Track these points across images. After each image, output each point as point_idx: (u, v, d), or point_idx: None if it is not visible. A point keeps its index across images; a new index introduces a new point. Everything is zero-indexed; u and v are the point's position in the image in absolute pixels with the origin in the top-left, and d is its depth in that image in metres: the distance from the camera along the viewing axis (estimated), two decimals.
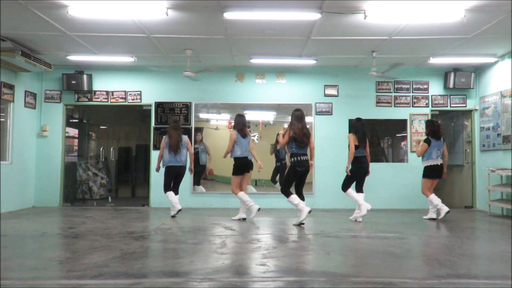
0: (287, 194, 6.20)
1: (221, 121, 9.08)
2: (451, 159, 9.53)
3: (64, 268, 3.74)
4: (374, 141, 11.34)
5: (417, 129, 8.72)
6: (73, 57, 8.09)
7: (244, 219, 6.76)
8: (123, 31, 6.55)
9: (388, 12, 5.68)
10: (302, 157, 6.18)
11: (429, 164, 6.99)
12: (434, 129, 6.99)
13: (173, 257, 4.18)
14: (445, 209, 6.78)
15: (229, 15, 5.74)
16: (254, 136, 8.87)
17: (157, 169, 7.34)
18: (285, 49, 7.59)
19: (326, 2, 5.40)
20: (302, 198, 6.29)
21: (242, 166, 6.71)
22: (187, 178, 8.73)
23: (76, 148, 10.75)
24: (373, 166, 9.07)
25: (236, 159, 6.71)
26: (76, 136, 10.83)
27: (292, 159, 6.20)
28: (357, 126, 6.87)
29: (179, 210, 7.08)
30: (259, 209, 6.73)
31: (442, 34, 6.61)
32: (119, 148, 11.98)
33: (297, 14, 5.75)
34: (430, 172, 7.00)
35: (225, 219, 6.96)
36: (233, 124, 8.91)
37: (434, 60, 8.13)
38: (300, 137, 6.13)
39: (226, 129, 8.85)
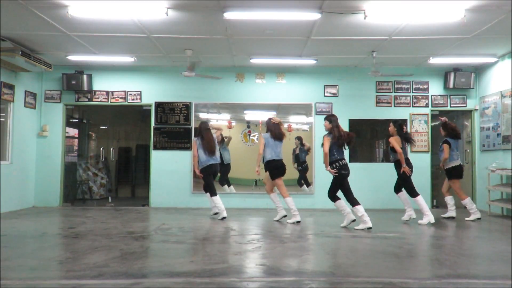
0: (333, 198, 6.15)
1: (221, 121, 9.08)
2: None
3: (64, 268, 3.75)
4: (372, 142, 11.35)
5: (417, 129, 8.72)
6: (73, 57, 8.09)
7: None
8: (123, 31, 6.55)
9: (388, 12, 5.68)
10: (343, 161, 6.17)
11: (452, 165, 6.92)
12: (447, 129, 7.03)
13: (173, 257, 4.18)
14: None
15: (229, 15, 5.74)
16: (254, 136, 8.87)
17: (200, 174, 7.10)
18: (285, 49, 7.58)
19: (326, 2, 5.40)
20: (354, 202, 6.06)
21: None
22: (187, 178, 8.75)
23: (76, 148, 10.76)
24: (372, 166, 9.14)
25: None
26: (76, 136, 10.83)
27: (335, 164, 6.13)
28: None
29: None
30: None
31: (442, 34, 6.61)
32: (119, 148, 11.97)
33: (297, 14, 5.75)
34: (455, 173, 6.94)
35: (225, 219, 6.96)
36: (233, 124, 8.94)
37: (434, 60, 8.12)
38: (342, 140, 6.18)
39: (226, 129, 8.85)
